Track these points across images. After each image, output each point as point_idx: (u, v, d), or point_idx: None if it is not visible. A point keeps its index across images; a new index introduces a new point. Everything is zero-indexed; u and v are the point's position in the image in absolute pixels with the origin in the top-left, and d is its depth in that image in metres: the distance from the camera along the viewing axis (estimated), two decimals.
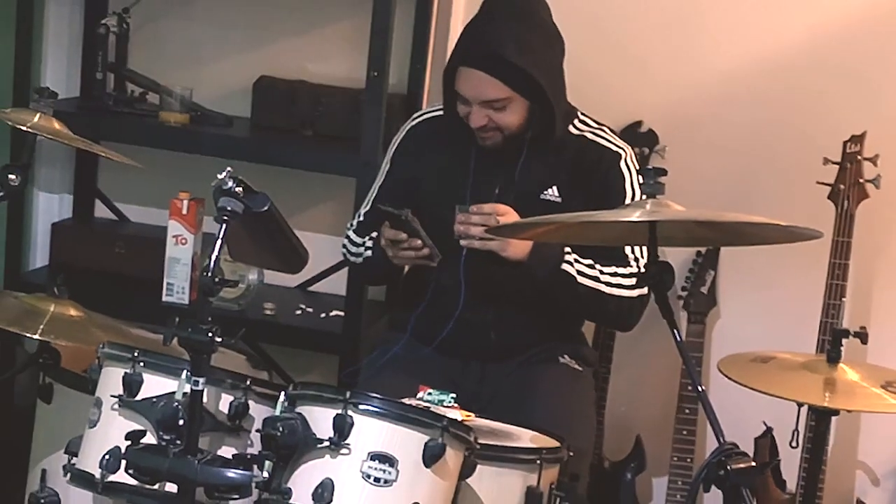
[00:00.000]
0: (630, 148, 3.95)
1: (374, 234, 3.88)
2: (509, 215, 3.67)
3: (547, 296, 3.81)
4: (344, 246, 4.08)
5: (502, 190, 3.82)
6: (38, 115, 3.47)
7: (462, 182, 3.85)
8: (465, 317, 3.85)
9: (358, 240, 4.00)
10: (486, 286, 3.83)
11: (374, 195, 4.01)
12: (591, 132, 3.90)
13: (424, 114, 4.04)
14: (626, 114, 4.48)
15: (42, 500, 3.43)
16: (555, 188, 3.83)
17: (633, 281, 3.73)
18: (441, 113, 3.94)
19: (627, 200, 3.76)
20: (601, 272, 3.76)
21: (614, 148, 3.89)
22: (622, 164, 3.86)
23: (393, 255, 3.79)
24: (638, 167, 3.90)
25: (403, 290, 4.16)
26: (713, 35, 4.51)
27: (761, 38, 4.48)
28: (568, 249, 3.73)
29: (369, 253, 3.95)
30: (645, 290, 3.73)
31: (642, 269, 3.71)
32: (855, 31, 4.41)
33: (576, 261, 3.73)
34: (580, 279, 3.74)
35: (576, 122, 3.91)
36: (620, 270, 3.77)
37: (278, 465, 2.93)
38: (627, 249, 3.79)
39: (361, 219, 4.02)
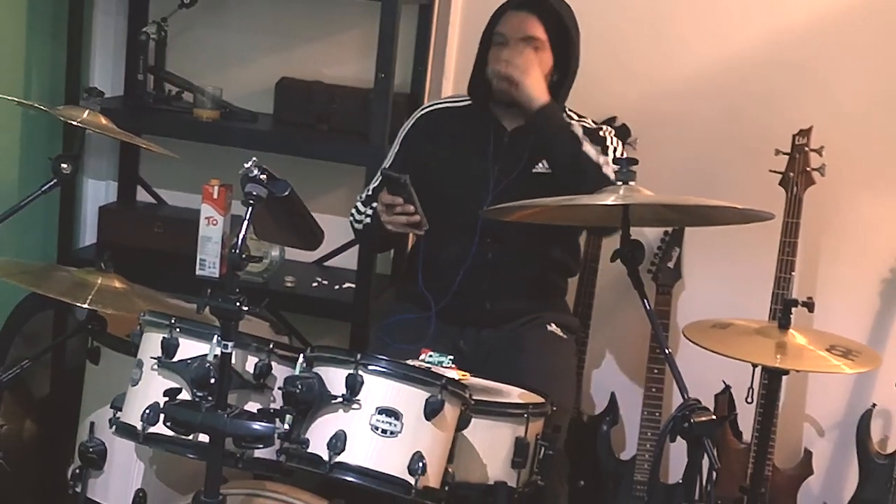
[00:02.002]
0: (612, 133, 4.00)
1: (375, 205, 3.86)
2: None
3: (554, 148, 3.81)
4: (351, 214, 4.08)
5: (503, 176, 3.84)
6: (86, 112, 3.47)
7: (468, 168, 3.86)
8: (464, 289, 3.86)
9: (362, 209, 4.00)
10: (488, 263, 3.85)
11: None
12: (576, 121, 3.93)
13: (430, 106, 4.06)
14: (602, 110, 4.45)
15: (91, 449, 3.44)
16: (545, 161, 3.83)
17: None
18: (448, 104, 3.96)
19: (609, 154, 3.86)
20: (598, 153, 3.81)
21: (603, 133, 3.95)
22: (601, 133, 3.93)
23: (387, 220, 3.75)
24: (617, 141, 3.97)
25: (408, 265, 4.16)
26: (679, 40, 4.50)
27: (721, 43, 4.47)
28: (574, 116, 3.89)
29: (368, 220, 3.95)
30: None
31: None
32: (804, 37, 4.40)
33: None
34: (585, 145, 3.77)
35: (565, 114, 3.92)
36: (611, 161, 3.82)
37: (297, 418, 2.94)
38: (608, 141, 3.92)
39: (370, 193, 4.01)
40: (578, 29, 3.91)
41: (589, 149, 3.76)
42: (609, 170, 3.72)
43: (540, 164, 3.83)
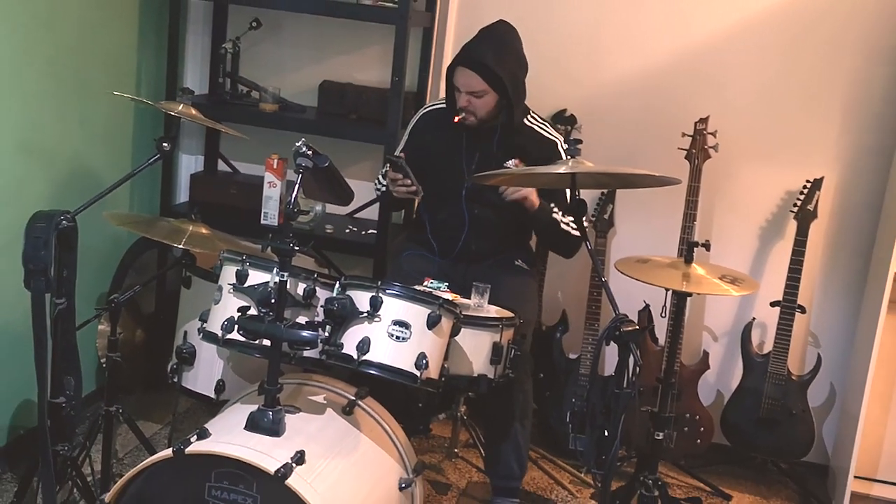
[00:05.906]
0: (561, 136, 3.93)
1: None
2: (524, 191, 3.65)
3: (542, 229, 3.84)
4: (375, 183, 4.08)
5: (480, 159, 3.80)
6: (181, 105, 3.44)
7: (456, 152, 3.83)
8: (456, 236, 3.86)
9: (382, 180, 3.99)
10: (474, 218, 3.84)
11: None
12: (538, 126, 3.87)
13: (431, 105, 4.02)
14: (555, 104, 4.44)
15: (184, 351, 3.46)
16: (514, 159, 3.80)
17: (577, 233, 3.70)
18: (443, 105, 3.92)
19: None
20: (568, 224, 3.77)
21: (553, 137, 3.86)
22: (559, 147, 3.85)
23: (392, 190, 3.78)
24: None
25: (416, 218, 4.15)
26: (609, 53, 4.46)
27: (641, 54, 4.43)
28: (553, 206, 3.75)
29: (384, 188, 3.95)
30: (578, 234, 3.73)
31: (575, 232, 3.73)
32: (703, 49, 4.37)
33: (561, 214, 3.76)
34: (562, 224, 3.76)
35: (528, 117, 3.87)
36: (573, 226, 3.75)
37: (335, 328, 2.95)
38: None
39: (385, 170, 4.00)
40: (520, 64, 3.76)
41: (561, 220, 3.77)
42: (567, 227, 3.76)
43: (510, 161, 3.79)
